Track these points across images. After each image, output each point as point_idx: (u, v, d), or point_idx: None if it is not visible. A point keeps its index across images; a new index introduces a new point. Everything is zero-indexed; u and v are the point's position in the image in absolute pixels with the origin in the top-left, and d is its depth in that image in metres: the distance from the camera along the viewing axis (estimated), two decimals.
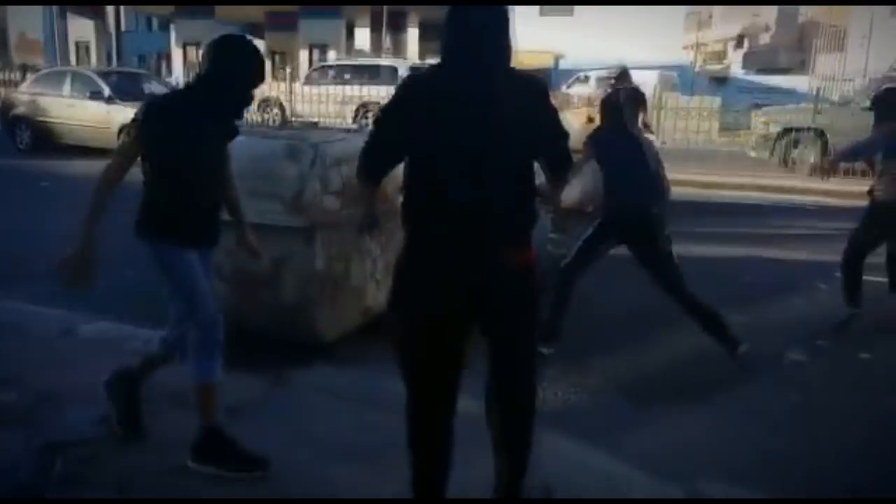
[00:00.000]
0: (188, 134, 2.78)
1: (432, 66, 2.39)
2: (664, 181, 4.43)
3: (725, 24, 63.93)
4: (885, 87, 5.49)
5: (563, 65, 42.51)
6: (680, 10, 49.24)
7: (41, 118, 13.09)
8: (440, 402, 2.33)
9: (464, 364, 2.31)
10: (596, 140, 4.42)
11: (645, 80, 20.84)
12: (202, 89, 2.79)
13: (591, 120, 8.65)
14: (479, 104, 2.18)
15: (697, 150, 15.08)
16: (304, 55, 33.86)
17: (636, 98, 4.71)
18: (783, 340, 4.78)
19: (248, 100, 2.89)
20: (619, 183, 4.28)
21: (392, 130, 2.31)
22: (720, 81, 33.41)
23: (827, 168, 5.83)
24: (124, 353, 3.92)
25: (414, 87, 2.30)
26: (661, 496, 2.84)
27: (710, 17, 67.58)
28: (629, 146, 4.35)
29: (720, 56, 61.90)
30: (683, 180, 11.00)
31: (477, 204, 2.14)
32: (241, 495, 2.64)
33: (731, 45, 62.87)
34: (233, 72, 2.74)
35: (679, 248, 4.38)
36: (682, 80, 26.02)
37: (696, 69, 42.28)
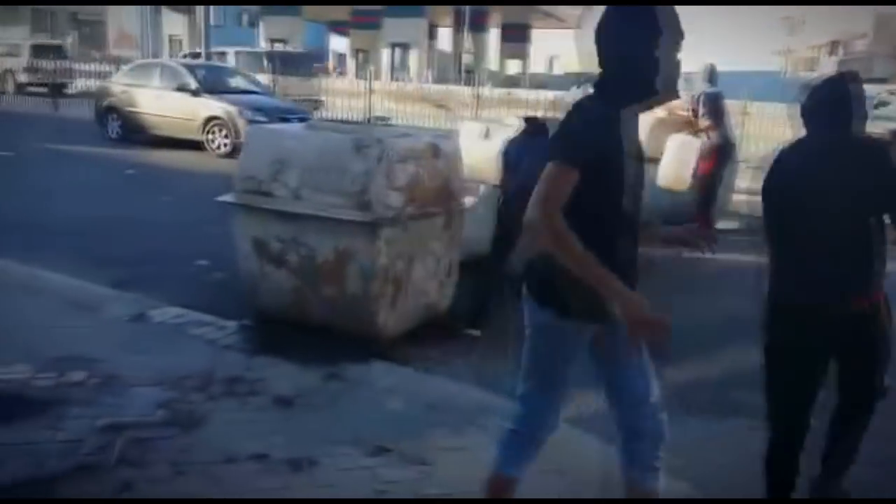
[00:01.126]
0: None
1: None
2: None
3: (818, 29, 61.56)
4: None
5: None
6: (772, 15, 47.66)
7: (130, 109, 13.54)
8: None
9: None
10: None
11: None
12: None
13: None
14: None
15: None
16: (385, 54, 34.21)
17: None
18: None
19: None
20: None
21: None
22: (807, 89, 32.06)
23: None
24: (189, 339, 4.06)
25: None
26: None
27: (804, 22, 65.21)
28: None
29: (812, 63, 59.65)
30: None
31: None
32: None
33: (824, 51, 60.49)
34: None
35: None
36: (772, 87, 25.15)
37: (786, 76, 40.82)
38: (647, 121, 7.98)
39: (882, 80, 43.33)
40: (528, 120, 5.15)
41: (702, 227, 7.66)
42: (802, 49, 61.53)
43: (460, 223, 4.82)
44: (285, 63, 19.09)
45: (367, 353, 3.95)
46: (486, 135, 6.19)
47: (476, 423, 3.26)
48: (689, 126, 7.97)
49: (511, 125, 6.11)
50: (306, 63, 21.41)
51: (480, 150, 5.94)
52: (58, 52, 24.61)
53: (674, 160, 7.51)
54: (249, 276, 4.47)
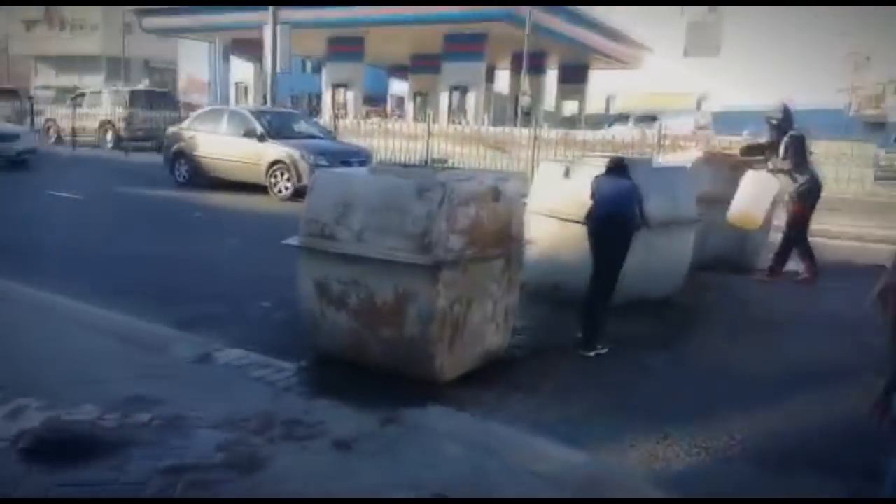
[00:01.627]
0: None
1: None
2: None
3: (885, 66, 60.01)
4: None
5: (705, 106, 41.30)
6: (836, 51, 46.75)
7: (199, 153, 14.00)
8: None
9: None
10: None
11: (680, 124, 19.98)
12: None
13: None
14: None
15: (848, 200, 13.99)
16: (444, 97, 34.69)
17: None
18: None
19: None
20: None
21: None
22: (877, 127, 31.30)
23: None
24: (250, 381, 4.10)
25: None
26: None
27: (868, 59, 63.71)
28: None
29: (877, 100, 58.11)
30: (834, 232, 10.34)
31: None
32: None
33: (890, 88, 58.88)
34: None
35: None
36: (835, 124, 24.59)
37: (851, 113, 39.85)
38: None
39: None
40: (612, 159, 5.39)
41: (775, 274, 7.47)
42: (868, 86, 59.99)
43: (519, 266, 4.80)
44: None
45: (425, 397, 3.93)
46: (567, 174, 6.33)
47: (532, 470, 3.19)
48: (737, 164, 7.80)
49: (590, 164, 6.29)
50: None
51: (562, 189, 6.24)
52: (164, 98, 24.14)
53: (746, 197, 7.38)
54: (310, 318, 4.52)
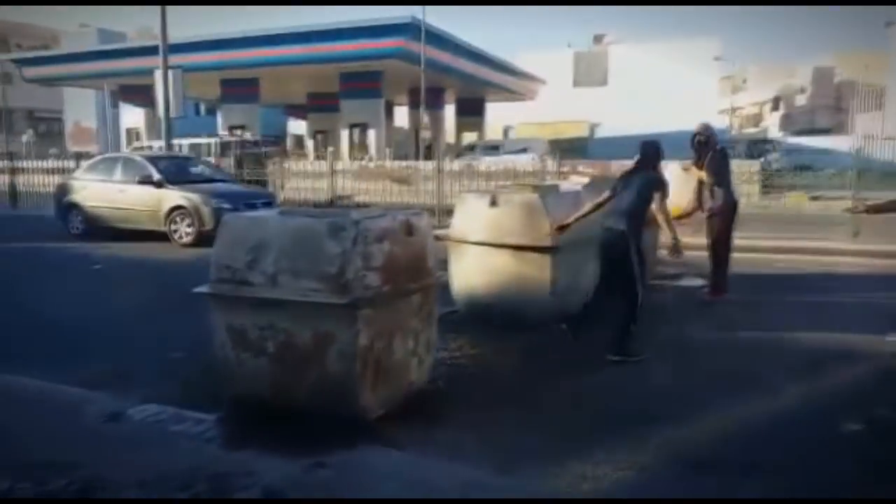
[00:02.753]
0: None
1: None
2: None
3: (760, 87, 64.17)
4: None
5: (598, 133, 42.90)
6: (714, 76, 49.61)
7: (93, 203, 13.50)
8: None
9: None
10: None
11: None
12: None
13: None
14: None
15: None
16: (344, 134, 34.74)
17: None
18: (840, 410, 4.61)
19: None
20: None
21: None
22: (758, 144, 33.35)
23: None
24: (171, 437, 3.97)
25: None
26: None
27: (745, 81, 67.97)
28: None
29: (756, 119, 61.86)
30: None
31: None
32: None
33: (766, 108, 62.90)
34: None
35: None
36: (720, 143, 26.03)
37: (733, 133, 42.24)
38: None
39: (825, 131, 45.09)
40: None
41: (716, 293, 7.74)
42: (747, 106, 63.91)
43: (435, 299, 4.86)
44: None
45: (353, 437, 3.89)
46: (494, 203, 6.61)
47: (468, 500, 3.23)
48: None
49: (514, 192, 6.89)
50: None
51: (491, 217, 6.60)
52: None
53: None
54: (227, 366, 4.42)
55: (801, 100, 58.27)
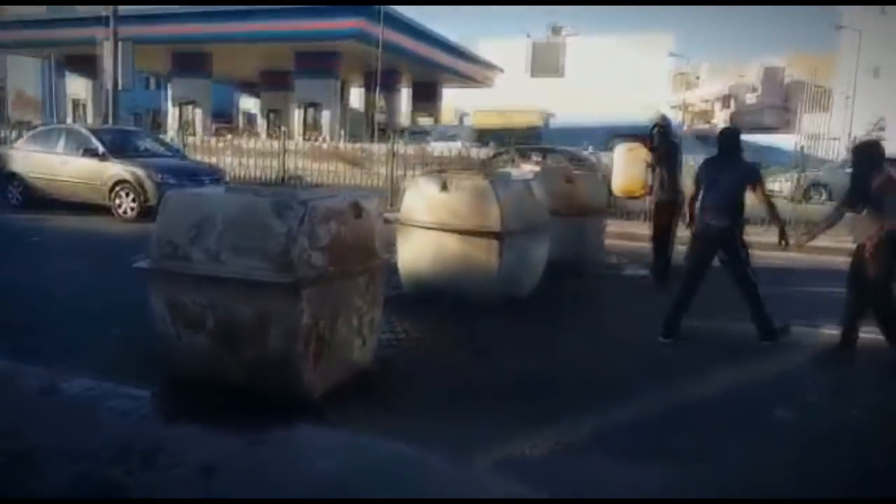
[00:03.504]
0: None
1: None
2: None
3: (712, 84, 65.36)
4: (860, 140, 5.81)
5: (553, 123, 43.21)
6: (667, 71, 50.42)
7: (34, 175, 13.10)
8: None
9: None
10: None
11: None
12: None
13: None
14: None
15: None
16: (297, 113, 34.31)
17: None
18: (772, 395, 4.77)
19: None
20: None
21: None
22: (706, 140, 34.00)
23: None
24: (105, 412, 3.90)
25: None
26: None
27: (698, 77, 69.13)
28: None
29: (707, 116, 63.02)
30: None
31: None
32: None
33: (717, 104, 64.08)
34: None
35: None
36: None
37: (684, 128, 42.98)
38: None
39: (772, 129, 46.14)
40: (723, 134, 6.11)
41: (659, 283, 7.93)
42: (698, 102, 65.03)
43: (382, 280, 4.86)
44: None
45: (292, 415, 3.88)
46: (444, 187, 6.63)
47: (401, 478, 3.25)
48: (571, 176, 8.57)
49: (465, 177, 6.86)
50: None
51: (441, 201, 6.62)
52: None
53: (619, 170, 8.60)
54: (165, 342, 4.35)
55: (750, 98, 59.55)
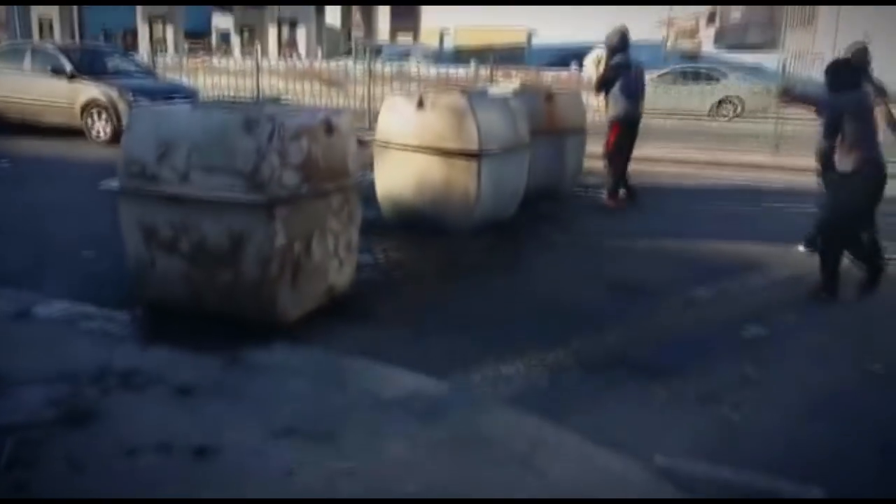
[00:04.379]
0: None
1: None
2: None
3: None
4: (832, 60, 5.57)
5: (535, 42, 42.34)
6: None
7: (1, 95, 12.73)
8: None
9: None
10: None
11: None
12: None
13: None
14: None
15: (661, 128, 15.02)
16: (272, 31, 33.34)
17: None
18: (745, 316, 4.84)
19: None
20: None
21: None
22: (691, 58, 33.52)
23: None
24: (79, 334, 3.89)
25: None
26: (622, 470, 2.84)
27: None
28: None
29: (692, 33, 61.95)
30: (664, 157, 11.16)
31: None
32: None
33: (702, 21, 62.94)
34: None
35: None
36: (654, 57, 26.09)
37: (668, 46, 42.24)
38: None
39: (757, 47, 45.50)
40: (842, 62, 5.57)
41: (613, 200, 7.98)
42: (683, 19, 63.81)
43: (357, 200, 4.79)
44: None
45: (268, 338, 3.88)
46: (421, 105, 6.50)
47: (379, 398, 3.28)
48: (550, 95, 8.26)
49: (442, 94, 6.70)
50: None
51: (417, 120, 6.48)
52: None
53: None
54: (139, 265, 4.30)
55: (735, 15, 58.45)
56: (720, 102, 19.40)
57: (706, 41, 56.97)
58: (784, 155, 11.78)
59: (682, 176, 10.56)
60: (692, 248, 6.43)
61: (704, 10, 61.40)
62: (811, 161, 5.51)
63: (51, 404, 3.07)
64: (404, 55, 25.26)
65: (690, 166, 11.35)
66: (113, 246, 4.64)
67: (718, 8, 59.37)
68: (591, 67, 8.22)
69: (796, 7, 44.73)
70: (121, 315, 4.20)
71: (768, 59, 28.71)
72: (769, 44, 48.29)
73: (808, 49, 27.65)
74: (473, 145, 6.30)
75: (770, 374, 3.97)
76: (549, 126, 7.89)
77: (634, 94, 8.01)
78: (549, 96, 8.17)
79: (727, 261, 6.01)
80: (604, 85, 7.98)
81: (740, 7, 57.77)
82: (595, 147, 8.59)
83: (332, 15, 43.10)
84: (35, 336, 3.88)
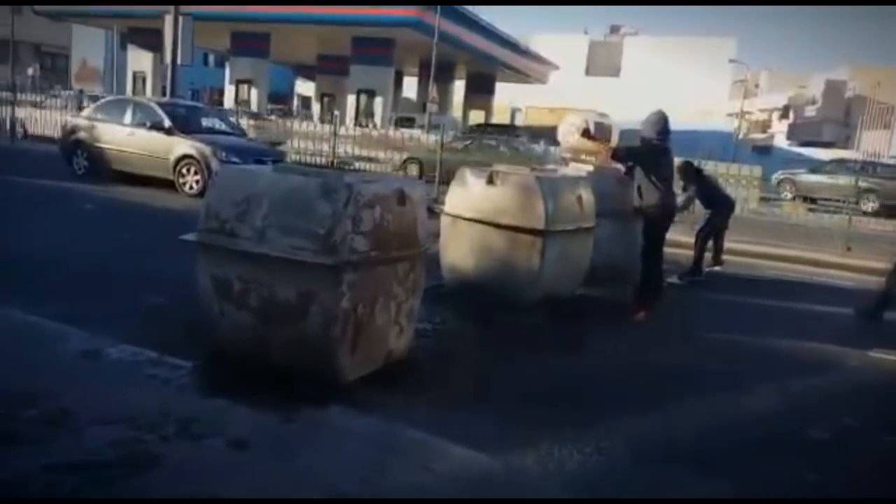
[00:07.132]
0: None
1: None
2: None
3: (771, 94, 63.91)
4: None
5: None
6: (727, 78, 49.39)
7: (100, 144, 13.30)
8: None
9: None
10: None
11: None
12: None
13: None
14: None
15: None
16: (350, 99, 34.50)
17: None
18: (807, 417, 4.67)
19: None
20: None
21: None
22: (763, 150, 33.34)
23: None
24: (146, 379, 3.99)
25: None
26: None
27: (757, 86, 67.66)
28: None
29: (764, 126, 61.62)
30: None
31: None
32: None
33: (776, 115, 62.61)
34: None
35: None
36: (724, 147, 26.06)
37: (740, 137, 42.07)
38: None
39: (829, 145, 44.96)
40: None
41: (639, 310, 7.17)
42: (756, 112, 63.70)
43: (422, 269, 4.87)
44: None
45: (325, 397, 3.92)
46: (491, 181, 6.64)
47: (428, 467, 3.26)
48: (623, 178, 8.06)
49: (512, 172, 6.84)
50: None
51: (487, 195, 6.63)
52: None
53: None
54: (208, 316, 4.44)
55: (810, 111, 58.09)
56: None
57: (779, 135, 56.50)
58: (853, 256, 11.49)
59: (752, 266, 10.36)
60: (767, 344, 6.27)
61: (778, 104, 61.19)
62: None
63: (111, 445, 3.14)
64: (434, 127, 25.65)
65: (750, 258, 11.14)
66: (185, 295, 4.80)
67: (791, 103, 59.09)
68: (571, 135, 8.03)
69: (874, 108, 44.14)
70: (185, 362, 4.29)
71: (842, 156, 28.32)
72: (843, 142, 47.64)
73: (885, 150, 27.15)
74: (539, 223, 6.37)
75: None
76: (621, 207, 7.86)
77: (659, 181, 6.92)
78: (622, 179, 8.19)
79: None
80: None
81: (815, 104, 57.37)
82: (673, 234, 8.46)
83: (410, 87, 44.49)
84: (102, 377, 3.99)
